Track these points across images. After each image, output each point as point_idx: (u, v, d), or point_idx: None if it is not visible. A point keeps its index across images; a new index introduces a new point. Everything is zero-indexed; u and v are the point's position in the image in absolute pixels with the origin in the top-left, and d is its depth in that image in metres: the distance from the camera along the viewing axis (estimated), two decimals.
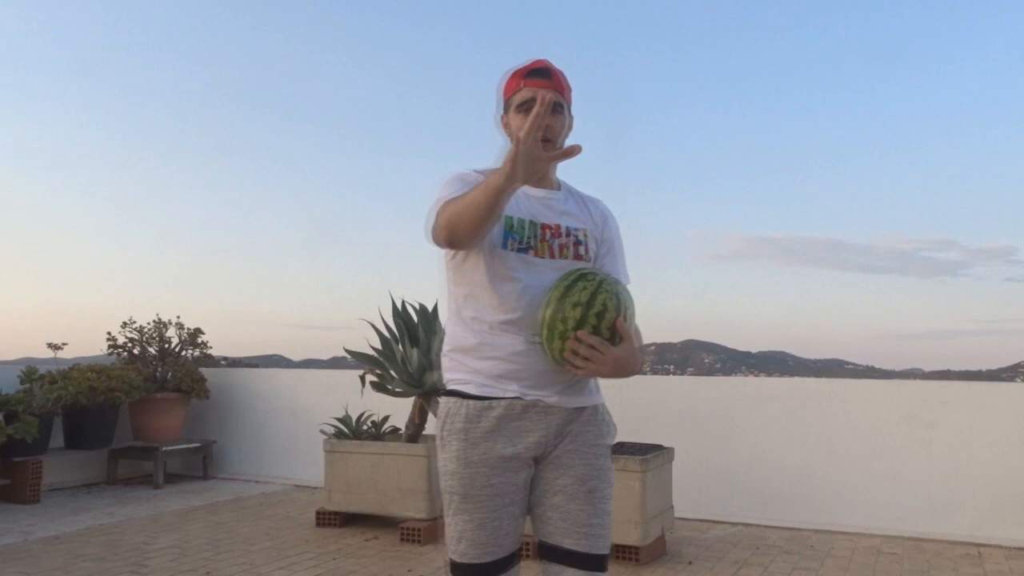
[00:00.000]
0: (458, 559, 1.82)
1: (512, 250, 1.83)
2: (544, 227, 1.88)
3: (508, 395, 1.82)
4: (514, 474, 1.82)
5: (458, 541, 1.82)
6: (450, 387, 1.89)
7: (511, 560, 1.85)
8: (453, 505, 1.83)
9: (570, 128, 1.96)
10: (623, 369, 1.76)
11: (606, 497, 1.87)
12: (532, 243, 1.85)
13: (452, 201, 1.76)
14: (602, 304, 1.73)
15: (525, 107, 1.86)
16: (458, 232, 1.73)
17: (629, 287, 1.92)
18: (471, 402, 1.83)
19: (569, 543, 1.81)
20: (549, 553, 1.85)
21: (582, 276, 1.78)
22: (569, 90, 1.95)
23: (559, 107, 1.88)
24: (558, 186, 1.99)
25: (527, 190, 1.88)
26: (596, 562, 1.82)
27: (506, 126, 1.94)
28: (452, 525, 1.84)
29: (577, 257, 1.89)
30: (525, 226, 1.85)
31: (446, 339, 1.93)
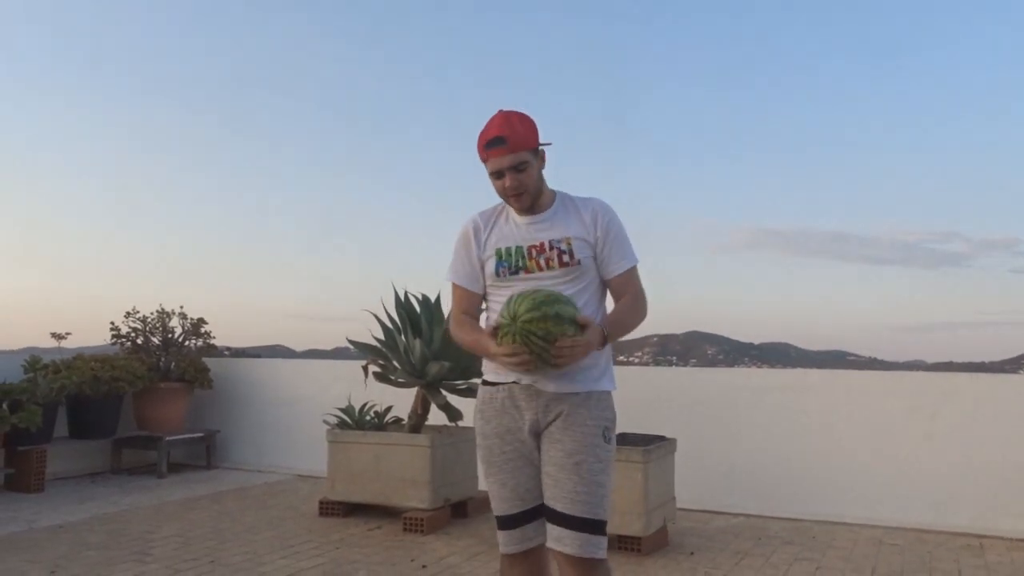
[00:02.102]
0: (495, 512, 2.28)
1: (504, 276, 2.26)
2: (531, 248, 2.25)
3: (509, 380, 2.23)
4: (521, 444, 2.23)
5: (492, 499, 2.28)
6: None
7: (536, 511, 2.23)
8: (483, 471, 2.31)
9: (542, 162, 2.27)
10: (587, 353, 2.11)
11: (594, 471, 2.16)
12: (522, 264, 2.25)
13: (459, 326, 2.31)
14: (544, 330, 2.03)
15: (495, 176, 2.22)
16: (458, 345, 2.33)
17: (637, 266, 2.30)
18: (486, 387, 2.31)
19: (560, 506, 2.14)
20: (547, 513, 2.19)
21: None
22: (529, 135, 2.22)
23: (521, 165, 2.20)
24: (552, 201, 2.31)
25: (516, 219, 2.30)
26: (582, 524, 2.12)
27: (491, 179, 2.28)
28: (487, 487, 2.30)
29: (563, 264, 2.22)
30: (512, 252, 2.26)
31: None
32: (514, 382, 2.21)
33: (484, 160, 2.24)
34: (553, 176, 2.34)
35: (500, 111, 2.24)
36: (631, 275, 2.29)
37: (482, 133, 2.23)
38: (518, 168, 2.19)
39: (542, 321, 2.02)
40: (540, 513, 2.22)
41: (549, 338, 2.02)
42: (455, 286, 2.37)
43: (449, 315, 2.46)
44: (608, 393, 2.27)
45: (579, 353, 2.06)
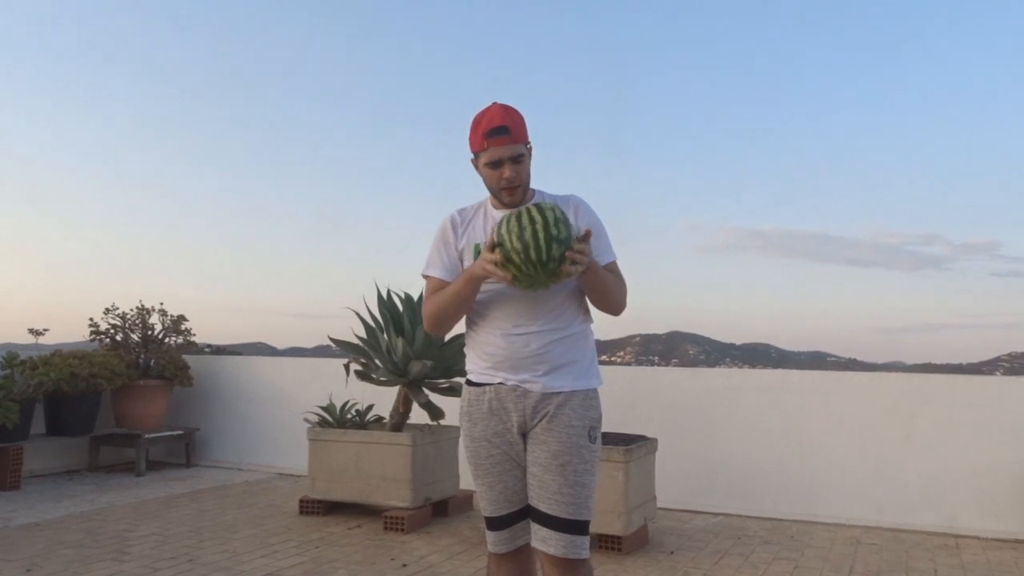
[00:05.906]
0: (484, 513, 2.28)
1: None
2: None
3: (495, 381, 2.20)
4: (509, 446, 2.21)
5: (481, 500, 2.28)
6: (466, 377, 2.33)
7: (525, 512, 2.23)
8: (471, 473, 2.29)
9: (530, 155, 2.25)
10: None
11: (580, 472, 2.16)
12: None
13: (434, 297, 2.22)
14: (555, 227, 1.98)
15: (493, 166, 2.18)
16: (443, 323, 2.24)
17: (619, 263, 2.30)
18: (471, 387, 2.27)
19: (544, 507, 2.15)
20: (532, 514, 2.20)
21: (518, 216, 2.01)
22: (524, 130, 2.21)
23: (519, 157, 2.19)
24: (532, 198, 2.27)
25: (494, 214, 2.26)
26: (566, 525, 2.13)
27: (479, 170, 2.25)
28: (475, 488, 2.30)
29: None
30: None
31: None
32: (500, 383, 2.18)
33: (481, 149, 2.19)
34: (543, 176, 2.35)
35: (496, 103, 2.21)
36: (613, 267, 2.27)
37: (479, 122, 2.19)
38: (516, 160, 2.17)
39: (554, 223, 1.96)
40: (528, 513, 2.22)
41: (561, 230, 1.95)
42: (430, 279, 2.29)
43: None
44: (595, 391, 2.25)
45: (586, 260, 2.01)
